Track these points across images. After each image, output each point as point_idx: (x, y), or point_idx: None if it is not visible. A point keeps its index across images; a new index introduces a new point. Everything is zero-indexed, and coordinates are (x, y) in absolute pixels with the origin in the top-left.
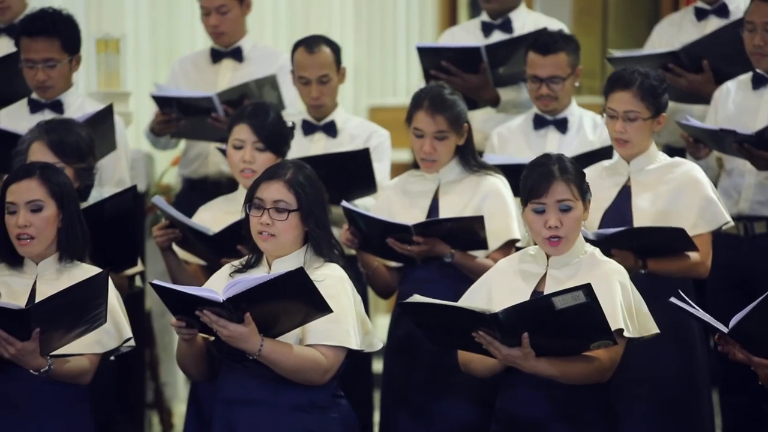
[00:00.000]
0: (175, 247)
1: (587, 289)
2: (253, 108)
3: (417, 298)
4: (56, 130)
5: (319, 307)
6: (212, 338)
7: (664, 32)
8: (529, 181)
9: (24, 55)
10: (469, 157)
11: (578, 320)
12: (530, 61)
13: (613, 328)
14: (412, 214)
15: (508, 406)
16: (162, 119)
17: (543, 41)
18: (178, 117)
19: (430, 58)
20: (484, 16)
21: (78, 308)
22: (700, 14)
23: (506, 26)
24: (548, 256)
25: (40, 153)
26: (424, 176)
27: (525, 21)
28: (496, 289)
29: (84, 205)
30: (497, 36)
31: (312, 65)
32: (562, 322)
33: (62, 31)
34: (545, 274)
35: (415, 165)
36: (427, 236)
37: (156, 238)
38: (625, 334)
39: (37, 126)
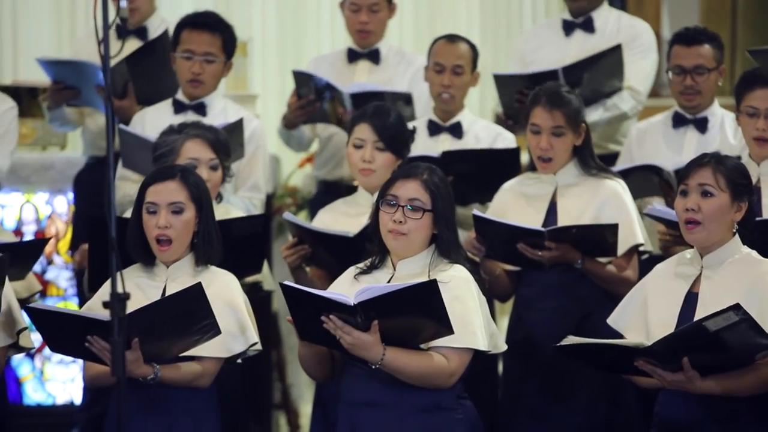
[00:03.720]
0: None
1: (737, 308)
2: (375, 108)
3: (571, 339)
4: (209, 129)
5: (444, 324)
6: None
7: None
8: (685, 166)
9: (184, 46)
10: (588, 159)
11: (736, 338)
12: (674, 53)
13: None
14: (529, 217)
15: (666, 412)
16: (300, 103)
17: (688, 33)
18: (316, 99)
19: (507, 85)
20: (566, 14)
21: (181, 318)
22: None
23: (588, 25)
24: (702, 256)
25: (196, 150)
26: (541, 178)
27: (607, 19)
28: (652, 293)
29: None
30: (578, 35)
31: (449, 54)
32: (719, 342)
33: (225, 33)
34: (700, 275)
35: (531, 167)
36: (558, 242)
37: (286, 258)
38: None
39: (179, 127)
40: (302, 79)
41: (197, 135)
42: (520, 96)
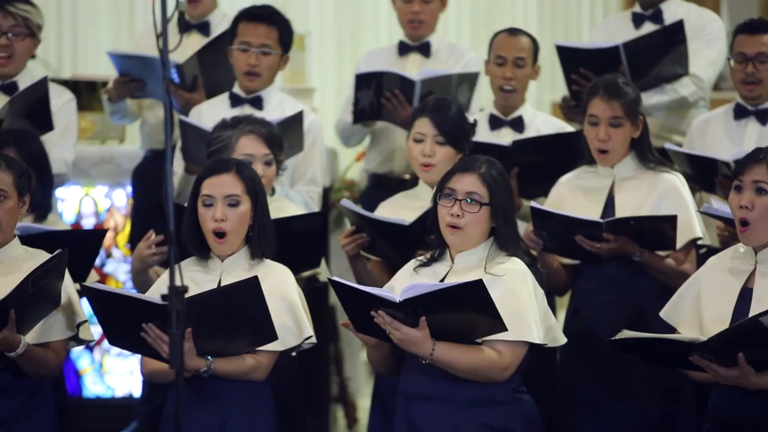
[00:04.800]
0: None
1: None
2: (436, 102)
3: (626, 333)
4: (262, 124)
5: (496, 320)
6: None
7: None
8: (740, 162)
9: (241, 38)
10: (646, 152)
11: None
12: (737, 42)
13: None
14: (586, 211)
15: (720, 406)
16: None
17: (752, 23)
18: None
19: (569, 58)
20: (636, 7)
21: (235, 312)
22: None
23: (657, 17)
24: (756, 252)
25: (251, 146)
26: (598, 172)
27: (676, 11)
28: (705, 288)
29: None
30: (648, 27)
31: (511, 46)
32: None
33: (282, 25)
34: (754, 270)
35: (589, 160)
36: (617, 234)
37: (344, 246)
38: None
39: (232, 121)
40: (364, 78)
41: (252, 131)
42: (576, 77)
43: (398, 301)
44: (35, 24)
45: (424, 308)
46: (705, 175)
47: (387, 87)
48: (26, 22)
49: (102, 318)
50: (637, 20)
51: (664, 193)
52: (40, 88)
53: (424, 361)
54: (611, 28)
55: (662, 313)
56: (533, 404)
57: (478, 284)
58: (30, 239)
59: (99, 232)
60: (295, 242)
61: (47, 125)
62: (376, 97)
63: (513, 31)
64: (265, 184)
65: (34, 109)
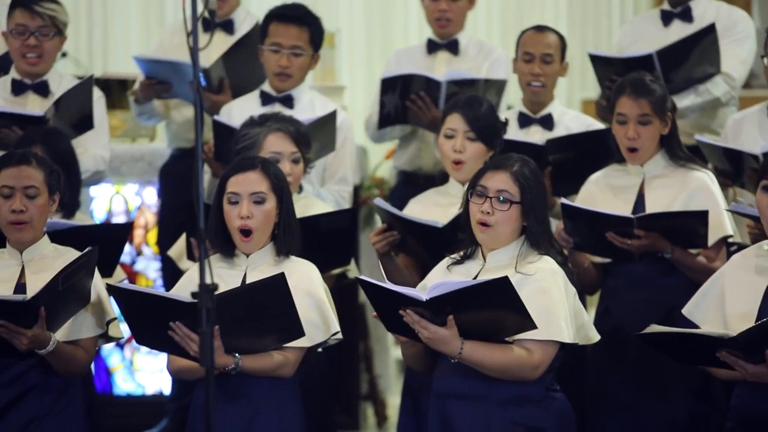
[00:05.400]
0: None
1: None
2: (467, 99)
3: (655, 327)
4: (290, 121)
5: (525, 318)
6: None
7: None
8: (765, 163)
9: (271, 39)
10: (676, 149)
11: None
12: None
13: None
14: (616, 209)
15: (743, 404)
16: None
17: None
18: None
19: (602, 66)
20: (665, 5)
21: (261, 309)
22: None
23: (686, 15)
24: None
25: (278, 144)
26: (628, 170)
27: (706, 9)
28: (729, 285)
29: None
30: (677, 25)
31: (538, 43)
32: None
33: (312, 26)
34: None
35: (619, 159)
36: (648, 230)
37: (375, 244)
38: None
39: (260, 119)
40: (390, 82)
41: (279, 129)
42: (609, 83)
43: (425, 300)
44: (62, 22)
45: (451, 306)
46: (737, 168)
47: (413, 89)
48: (53, 21)
49: (129, 317)
50: (666, 18)
51: (695, 191)
52: (87, 86)
53: (453, 360)
54: (640, 27)
55: (684, 311)
56: (566, 402)
57: (504, 281)
58: (56, 234)
59: (124, 226)
60: (325, 240)
61: (89, 124)
62: (401, 101)
63: (540, 28)
64: (292, 182)
65: (78, 108)
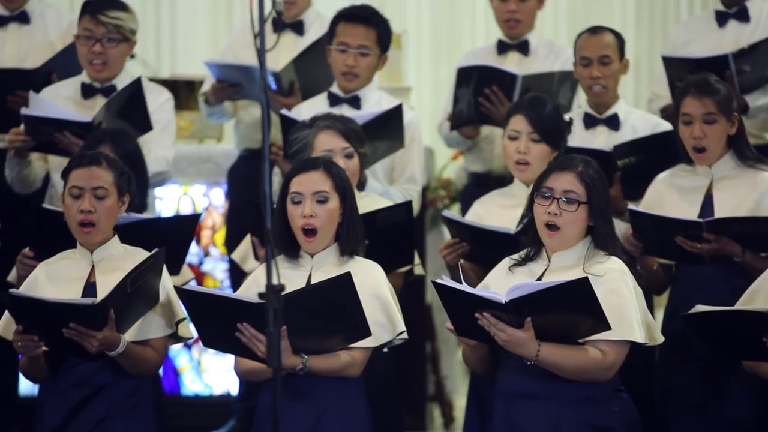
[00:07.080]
0: None
1: None
2: (531, 100)
3: (700, 308)
4: (338, 119)
5: (600, 319)
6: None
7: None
8: None
9: (339, 39)
10: (744, 149)
11: None
12: None
13: None
14: (683, 210)
15: None
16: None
17: None
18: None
19: (676, 67)
20: (719, 5)
21: (328, 309)
22: None
23: (742, 14)
24: None
25: (329, 141)
26: (696, 170)
27: (762, 8)
28: None
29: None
30: (732, 25)
31: (594, 45)
32: None
33: (380, 26)
34: None
35: (686, 161)
36: (717, 234)
37: (444, 257)
38: None
39: (310, 121)
40: (465, 72)
41: (328, 126)
42: (679, 84)
43: (504, 302)
44: (128, 29)
45: (528, 308)
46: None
47: (487, 83)
48: (119, 30)
49: (196, 319)
50: (721, 18)
51: (765, 192)
52: (134, 89)
53: (528, 362)
54: (693, 28)
55: (737, 305)
56: (631, 403)
57: (584, 282)
58: (123, 228)
59: (192, 217)
60: (384, 237)
61: (146, 125)
62: (474, 97)
63: (594, 30)
64: (349, 177)
65: (131, 110)
